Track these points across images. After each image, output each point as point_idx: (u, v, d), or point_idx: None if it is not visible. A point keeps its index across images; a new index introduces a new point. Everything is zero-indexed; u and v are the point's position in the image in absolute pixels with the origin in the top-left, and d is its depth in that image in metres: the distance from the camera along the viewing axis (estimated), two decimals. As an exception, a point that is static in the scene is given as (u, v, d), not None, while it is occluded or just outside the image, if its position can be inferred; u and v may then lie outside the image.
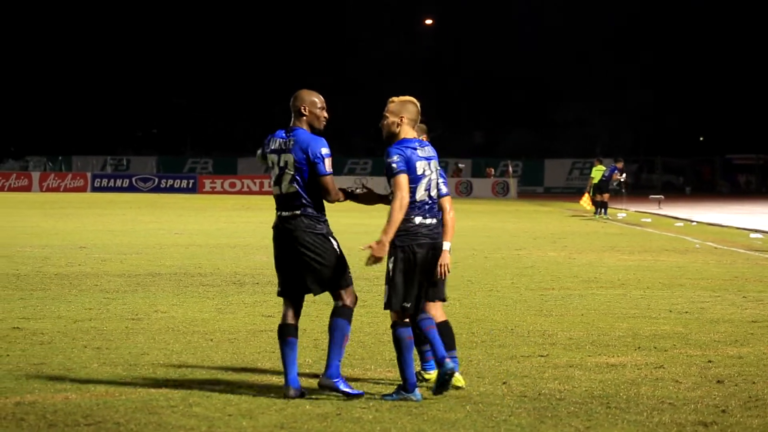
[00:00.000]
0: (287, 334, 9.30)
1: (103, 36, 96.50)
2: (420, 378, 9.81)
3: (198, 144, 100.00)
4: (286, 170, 9.33)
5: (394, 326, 9.23)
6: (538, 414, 8.69)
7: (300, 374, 9.44)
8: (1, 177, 71.62)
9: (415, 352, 9.33)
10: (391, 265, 9.23)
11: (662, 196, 54.64)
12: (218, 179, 74.05)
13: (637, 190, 79.99)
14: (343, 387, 9.16)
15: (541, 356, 11.32)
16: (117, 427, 8.12)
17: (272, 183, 9.46)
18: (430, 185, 9.34)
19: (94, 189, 71.22)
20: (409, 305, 9.20)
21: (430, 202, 9.34)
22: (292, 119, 9.46)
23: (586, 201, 45.08)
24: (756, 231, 33.66)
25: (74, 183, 71.67)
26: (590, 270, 21.06)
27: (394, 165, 9.20)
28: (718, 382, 10.08)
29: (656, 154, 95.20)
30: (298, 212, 9.33)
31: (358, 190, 9.73)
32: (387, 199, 9.35)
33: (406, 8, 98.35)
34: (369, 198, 9.72)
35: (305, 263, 9.30)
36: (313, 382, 9.48)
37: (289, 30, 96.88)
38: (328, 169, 9.29)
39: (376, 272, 15.22)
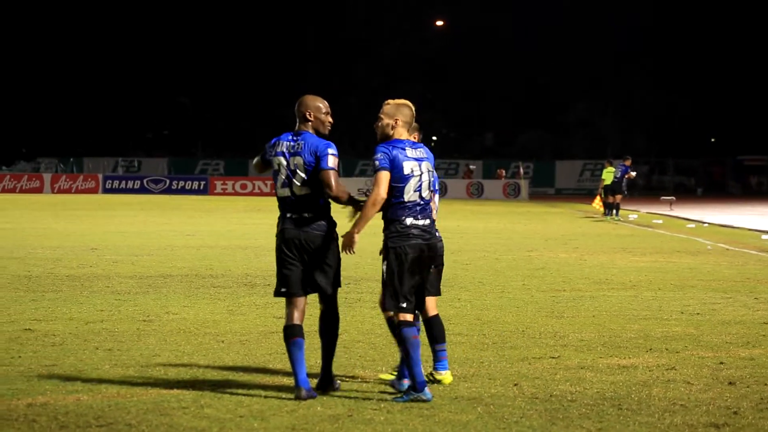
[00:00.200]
0: (294, 334, 9.31)
1: (115, 38, 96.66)
2: (431, 379, 9.81)
3: (209, 145, 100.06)
4: (297, 172, 9.35)
5: (398, 326, 9.24)
6: (549, 416, 8.69)
7: (309, 375, 9.45)
8: (12, 178, 71.71)
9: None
10: (385, 267, 9.30)
11: (674, 198, 54.60)
12: (229, 181, 74.03)
13: (649, 191, 79.95)
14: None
15: (553, 358, 11.32)
16: (128, 429, 8.13)
17: (278, 186, 9.46)
18: (420, 186, 9.35)
19: (106, 190, 71.32)
20: (405, 305, 9.23)
21: (422, 203, 9.36)
22: (297, 124, 9.50)
23: (597, 203, 45.03)
24: (768, 232, 33.61)
25: (86, 184, 71.76)
26: (601, 271, 21.02)
27: (376, 162, 9.42)
28: (730, 383, 10.06)
29: (667, 155, 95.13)
30: (310, 214, 9.35)
31: (362, 198, 9.79)
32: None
33: (418, 9, 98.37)
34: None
35: (318, 264, 9.34)
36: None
37: (303, 32, 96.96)
38: (330, 165, 9.34)
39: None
